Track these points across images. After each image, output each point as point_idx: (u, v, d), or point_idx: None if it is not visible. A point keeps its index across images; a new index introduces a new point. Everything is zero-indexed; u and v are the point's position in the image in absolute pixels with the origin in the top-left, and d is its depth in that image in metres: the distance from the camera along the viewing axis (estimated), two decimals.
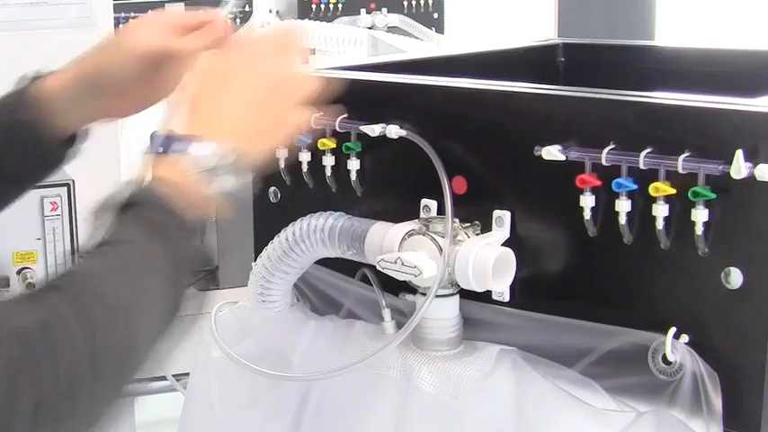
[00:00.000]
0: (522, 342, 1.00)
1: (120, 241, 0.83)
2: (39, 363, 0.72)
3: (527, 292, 1.00)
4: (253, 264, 1.15)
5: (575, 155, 0.93)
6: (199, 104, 0.93)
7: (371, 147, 1.09)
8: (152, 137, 0.92)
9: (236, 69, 0.95)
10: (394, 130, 1.05)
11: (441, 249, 0.98)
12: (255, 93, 0.93)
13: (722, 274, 0.87)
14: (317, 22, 2.15)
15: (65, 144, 1.08)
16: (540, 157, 0.94)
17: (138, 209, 0.85)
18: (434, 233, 0.99)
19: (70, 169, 1.53)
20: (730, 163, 0.84)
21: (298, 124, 0.96)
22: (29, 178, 1.09)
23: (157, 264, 0.84)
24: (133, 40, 1.06)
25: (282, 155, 1.16)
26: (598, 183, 0.92)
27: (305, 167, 1.15)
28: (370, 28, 3.45)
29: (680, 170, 0.86)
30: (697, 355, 0.88)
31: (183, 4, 3.49)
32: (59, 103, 1.05)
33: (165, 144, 0.89)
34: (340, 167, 1.11)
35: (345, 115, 1.10)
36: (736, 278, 0.86)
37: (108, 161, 2.19)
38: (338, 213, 1.07)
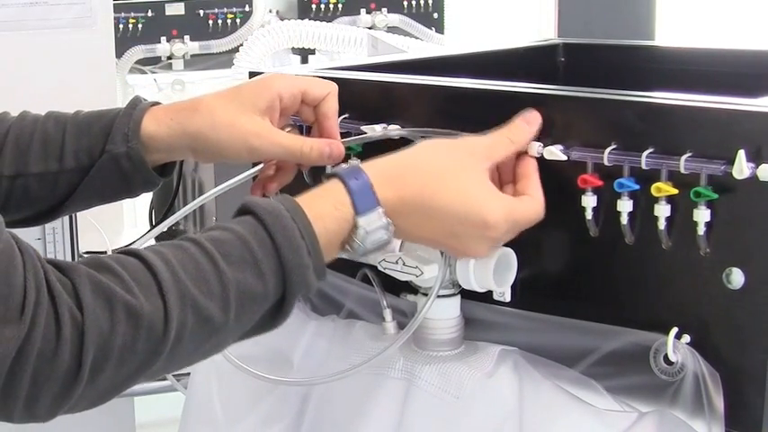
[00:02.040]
0: (523, 342, 1.00)
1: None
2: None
3: (528, 292, 1.00)
4: None
5: (576, 155, 0.93)
6: (404, 189, 0.90)
7: (372, 147, 1.09)
8: (352, 167, 0.89)
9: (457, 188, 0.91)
10: (395, 131, 1.05)
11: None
12: (462, 226, 0.91)
13: (724, 275, 0.87)
14: (317, 22, 2.15)
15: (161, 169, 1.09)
16: (542, 157, 0.94)
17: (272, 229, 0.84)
18: None
19: None
20: (732, 163, 0.84)
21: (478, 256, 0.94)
22: (127, 196, 1.10)
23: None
24: (254, 126, 1.03)
25: None
26: (600, 183, 0.92)
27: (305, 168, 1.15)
28: (370, 28, 3.45)
29: (682, 170, 0.86)
30: (699, 355, 0.88)
31: (183, 4, 3.50)
32: (155, 143, 1.06)
33: (357, 186, 0.88)
34: None
35: (346, 115, 1.10)
36: (737, 278, 0.86)
37: None
38: None
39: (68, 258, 1.72)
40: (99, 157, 1.05)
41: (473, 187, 0.91)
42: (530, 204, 0.93)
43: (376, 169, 0.90)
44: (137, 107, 1.07)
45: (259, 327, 0.86)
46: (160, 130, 1.05)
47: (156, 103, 1.08)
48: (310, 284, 0.86)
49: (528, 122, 0.95)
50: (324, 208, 0.87)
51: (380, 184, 0.89)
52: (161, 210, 1.84)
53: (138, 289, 0.79)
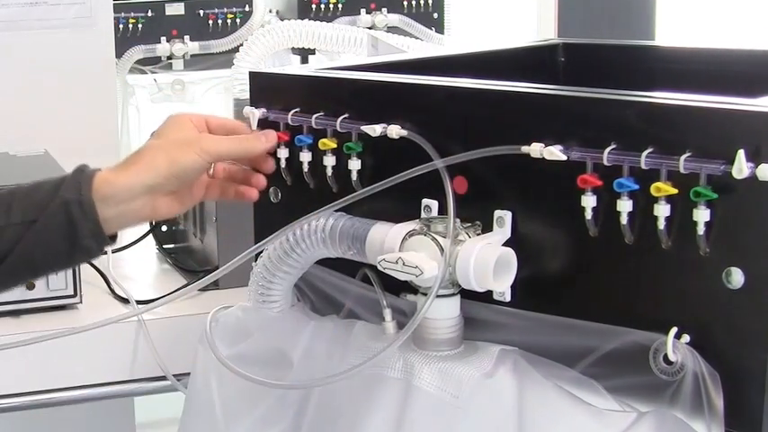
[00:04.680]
0: (522, 342, 1.00)
1: None
2: None
3: (528, 292, 1.00)
4: (253, 264, 1.15)
5: (576, 155, 0.93)
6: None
7: (372, 147, 1.09)
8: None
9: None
10: (395, 131, 1.05)
11: (442, 249, 0.97)
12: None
13: (723, 274, 0.87)
14: (317, 22, 2.14)
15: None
16: (542, 157, 0.94)
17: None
18: (435, 233, 0.99)
19: (70, 169, 1.53)
20: (732, 163, 0.84)
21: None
22: (68, 256, 1.09)
23: None
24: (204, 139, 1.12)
25: (283, 155, 1.16)
26: (599, 183, 0.91)
27: (305, 167, 1.15)
28: (370, 28, 3.45)
29: (681, 170, 0.86)
30: (698, 354, 0.88)
31: (183, 4, 3.49)
32: (111, 188, 1.08)
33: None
34: (341, 167, 1.11)
35: (346, 115, 1.10)
36: (737, 278, 0.86)
37: (108, 161, 2.19)
38: (339, 213, 1.07)
39: None
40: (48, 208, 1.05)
41: None
42: None
43: None
44: (87, 167, 1.09)
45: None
46: (118, 175, 1.08)
47: None
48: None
49: None
50: None
51: None
52: None
53: None
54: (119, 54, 3.00)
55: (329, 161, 1.12)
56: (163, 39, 3.45)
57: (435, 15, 3.70)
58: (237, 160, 1.18)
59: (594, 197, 0.92)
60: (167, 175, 1.08)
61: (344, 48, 2.11)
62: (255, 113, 1.18)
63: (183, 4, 3.50)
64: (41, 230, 1.04)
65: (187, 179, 1.11)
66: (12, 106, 2.11)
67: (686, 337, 0.89)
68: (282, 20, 3.16)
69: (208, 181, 1.17)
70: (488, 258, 0.96)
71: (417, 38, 3.37)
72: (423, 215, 1.05)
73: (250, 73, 1.22)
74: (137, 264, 1.69)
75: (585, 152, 0.92)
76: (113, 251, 1.58)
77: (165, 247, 1.73)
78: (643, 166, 0.88)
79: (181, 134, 1.12)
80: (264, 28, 2.15)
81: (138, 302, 1.48)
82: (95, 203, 1.05)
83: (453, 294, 1.02)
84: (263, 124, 1.17)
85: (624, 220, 0.91)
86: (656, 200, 0.88)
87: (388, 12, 3.63)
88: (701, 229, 0.87)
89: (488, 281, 0.96)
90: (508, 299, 1.00)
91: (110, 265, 1.55)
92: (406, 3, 3.66)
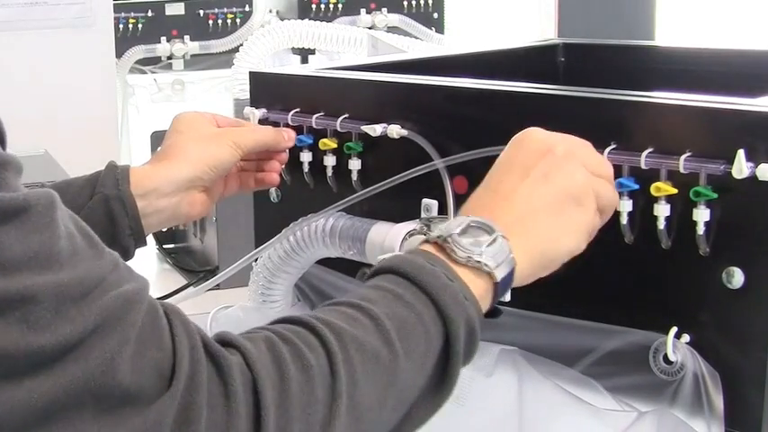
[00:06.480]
0: (522, 342, 1.00)
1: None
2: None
3: (528, 291, 0.99)
4: (254, 264, 1.15)
5: None
6: (505, 187, 0.87)
7: (372, 147, 1.09)
8: (452, 222, 0.83)
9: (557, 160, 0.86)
10: (395, 130, 1.05)
11: None
12: (571, 191, 0.85)
13: (724, 274, 0.87)
14: (317, 22, 2.15)
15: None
16: None
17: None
18: None
19: (70, 169, 1.54)
20: (732, 163, 0.84)
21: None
22: None
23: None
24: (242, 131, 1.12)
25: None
26: None
27: (306, 167, 1.15)
28: (370, 28, 3.45)
29: (681, 170, 0.86)
30: (698, 354, 0.88)
31: (183, 4, 3.50)
32: (146, 182, 1.06)
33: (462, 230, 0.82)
34: (341, 167, 1.11)
35: (346, 115, 1.10)
36: (737, 278, 0.86)
37: (108, 161, 2.19)
38: (339, 213, 1.07)
39: None
40: (84, 205, 1.02)
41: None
42: None
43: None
44: (117, 164, 1.07)
45: (435, 377, 0.80)
46: (156, 169, 1.07)
47: None
48: (463, 305, 0.80)
49: None
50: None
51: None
52: None
53: (294, 337, 0.73)
54: (119, 54, 3.00)
55: (329, 161, 1.12)
56: (163, 39, 3.46)
57: (435, 15, 3.70)
58: (260, 152, 1.15)
59: None
60: (205, 168, 1.07)
61: (344, 48, 2.12)
62: (255, 113, 1.18)
63: (182, 4, 3.50)
64: None
65: (222, 171, 1.10)
66: (12, 106, 2.12)
67: (686, 337, 0.89)
68: (282, 20, 3.16)
69: (226, 176, 1.15)
70: None
71: (417, 38, 3.37)
72: (423, 215, 1.05)
73: (250, 73, 1.22)
74: (136, 263, 1.69)
75: None
76: None
77: (165, 247, 1.73)
78: (643, 166, 0.88)
79: (203, 129, 1.10)
80: (264, 28, 2.15)
81: None
82: (134, 198, 1.04)
83: None
84: (263, 124, 1.17)
85: (624, 219, 0.91)
86: (656, 200, 0.88)
87: (388, 12, 3.63)
88: (700, 229, 0.87)
89: None
90: (508, 299, 1.00)
91: None
92: (406, 3, 3.67)
